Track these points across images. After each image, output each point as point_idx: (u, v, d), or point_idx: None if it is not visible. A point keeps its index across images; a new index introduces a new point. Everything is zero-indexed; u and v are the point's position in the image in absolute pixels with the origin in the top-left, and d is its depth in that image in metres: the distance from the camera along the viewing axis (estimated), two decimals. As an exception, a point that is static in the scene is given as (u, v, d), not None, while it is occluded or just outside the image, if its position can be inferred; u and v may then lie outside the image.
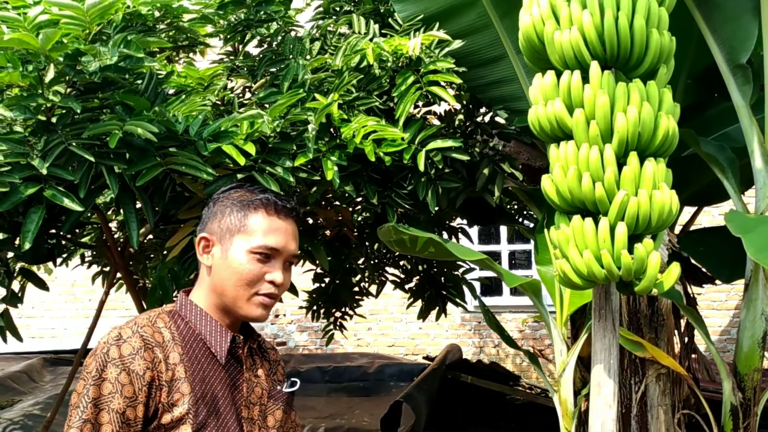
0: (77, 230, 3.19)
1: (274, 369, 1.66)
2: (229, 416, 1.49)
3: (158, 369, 1.41)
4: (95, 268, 3.90)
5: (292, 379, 1.65)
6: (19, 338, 2.85)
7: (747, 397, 2.64)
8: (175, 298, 1.59)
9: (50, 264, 3.30)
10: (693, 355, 3.51)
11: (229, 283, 1.51)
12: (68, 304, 7.98)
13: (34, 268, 3.45)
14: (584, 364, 3.44)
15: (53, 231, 2.59)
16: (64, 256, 3.54)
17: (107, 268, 3.77)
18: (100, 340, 1.44)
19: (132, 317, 1.52)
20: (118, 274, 3.48)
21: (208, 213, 1.58)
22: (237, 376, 1.53)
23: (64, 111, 2.14)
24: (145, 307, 3.16)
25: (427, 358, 6.52)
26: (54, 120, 2.13)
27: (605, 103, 1.83)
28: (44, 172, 1.98)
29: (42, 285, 2.68)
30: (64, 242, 2.84)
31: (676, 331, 3.22)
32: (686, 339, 3.45)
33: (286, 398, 1.62)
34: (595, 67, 1.85)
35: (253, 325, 1.65)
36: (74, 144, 2.03)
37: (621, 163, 1.86)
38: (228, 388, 1.51)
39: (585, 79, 1.87)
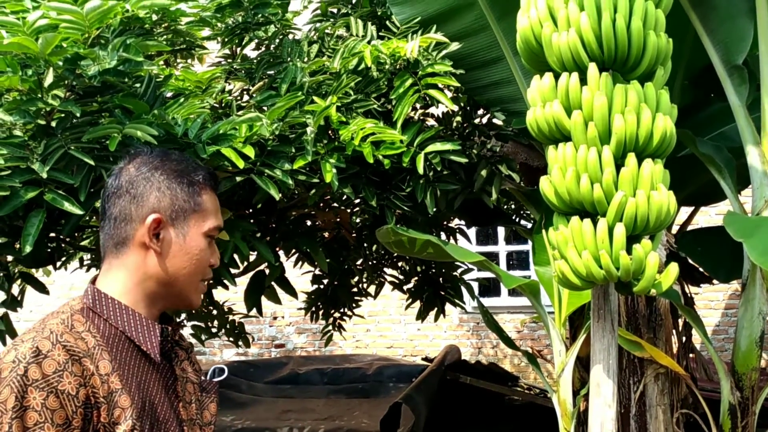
0: (77, 233, 3.19)
1: (191, 357, 1.44)
2: (170, 422, 1.31)
3: (92, 384, 1.18)
4: (93, 272, 3.90)
5: (219, 366, 1.50)
6: (19, 342, 2.84)
7: (745, 396, 2.65)
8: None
9: (50, 268, 3.30)
10: (691, 355, 3.52)
11: (184, 271, 1.33)
12: (66, 308, 7.97)
13: (33, 271, 3.44)
14: (583, 365, 3.45)
15: (53, 234, 2.59)
16: (63, 259, 3.54)
17: (106, 272, 3.77)
18: (2, 358, 1.17)
19: (38, 324, 1.24)
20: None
21: (135, 189, 1.32)
22: (168, 375, 1.35)
23: (63, 115, 2.15)
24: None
25: (425, 359, 6.53)
26: (54, 124, 2.13)
27: (603, 105, 1.84)
28: (44, 175, 1.99)
29: (42, 288, 2.68)
30: (63, 245, 2.84)
31: (674, 331, 3.23)
32: (684, 339, 3.47)
33: (216, 388, 1.45)
34: (593, 69, 1.86)
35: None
36: (74, 147, 2.04)
37: (619, 164, 1.88)
38: (163, 389, 1.32)
39: (583, 81, 1.88)
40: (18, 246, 2.25)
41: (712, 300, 7.27)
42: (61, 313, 1.27)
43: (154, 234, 1.32)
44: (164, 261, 1.32)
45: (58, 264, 3.06)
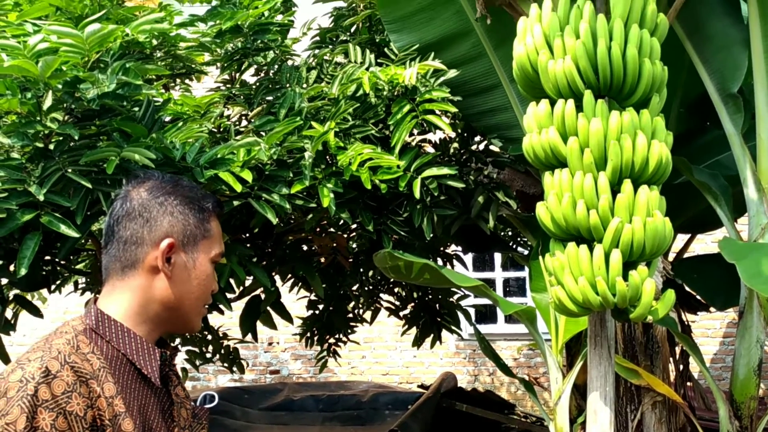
0: (72, 257, 3.18)
1: (181, 382, 1.45)
2: None
3: (98, 406, 1.18)
4: (87, 296, 3.89)
5: (210, 393, 1.47)
6: (11, 366, 2.82)
7: (744, 425, 2.63)
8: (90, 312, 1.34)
9: (44, 292, 3.29)
10: (689, 383, 3.50)
11: (192, 296, 1.35)
12: (60, 332, 7.91)
13: (28, 296, 3.43)
14: (580, 392, 3.43)
15: (48, 257, 2.58)
16: (58, 282, 3.53)
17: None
18: (7, 376, 1.16)
19: (42, 343, 1.24)
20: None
21: (148, 213, 1.33)
22: (165, 399, 1.35)
23: (61, 138, 2.16)
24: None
25: (421, 386, 6.47)
26: (51, 147, 2.14)
27: (599, 132, 1.85)
28: (41, 198, 1.99)
29: (36, 312, 2.66)
30: (59, 269, 2.83)
31: (671, 359, 3.22)
32: (681, 367, 3.45)
33: (207, 415, 1.46)
34: (588, 96, 1.88)
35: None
36: (71, 170, 2.04)
37: (615, 190, 1.88)
38: (160, 414, 1.32)
39: (579, 107, 1.90)
40: (13, 269, 2.24)
41: (709, 328, 7.25)
42: (65, 333, 1.26)
43: (166, 258, 1.32)
44: (173, 285, 1.33)
45: (53, 287, 3.04)
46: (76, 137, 2.07)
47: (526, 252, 4.10)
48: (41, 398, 1.12)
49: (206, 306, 1.41)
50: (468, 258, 7.23)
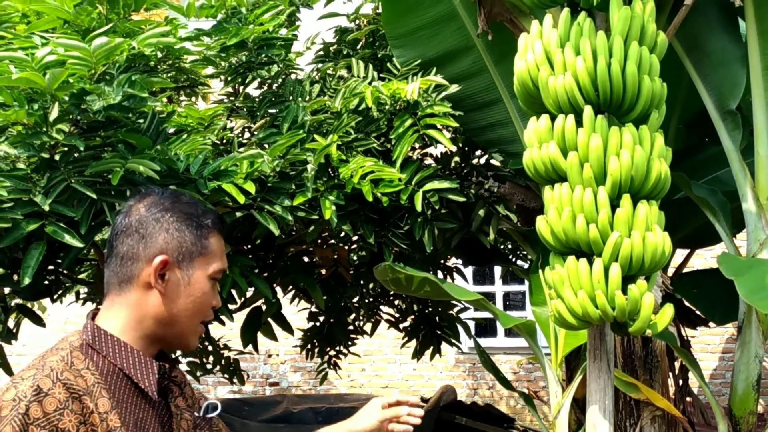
0: (75, 266, 3.20)
1: (184, 392, 1.45)
2: None
3: (91, 422, 1.19)
4: (89, 306, 3.89)
5: (212, 402, 1.47)
6: (11, 374, 2.83)
7: (742, 440, 2.64)
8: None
9: (45, 302, 3.30)
10: (688, 399, 3.50)
11: (186, 313, 1.34)
12: (59, 342, 7.90)
13: (29, 305, 3.44)
14: (579, 406, 3.43)
15: (52, 267, 2.60)
16: (59, 292, 3.54)
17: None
18: (3, 396, 1.16)
19: (37, 360, 1.25)
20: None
21: (144, 229, 1.33)
22: (163, 412, 1.35)
23: (67, 149, 2.18)
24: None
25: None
26: (57, 157, 2.16)
27: (598, 147, 1.87)
28: (46, 208, 2.00)
29: (38, 321, 2.68)
30: (62, 278, 2.85)
31: (670, 373, 3.22)
32: (681, 381, 3.45)
33: (209, 425, 1.46)
34: (588, 111, 1.90)
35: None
36: (76, 181, 2.06)
37: (614, 205, 1.90)
38: (159, 426, 1.32)
39: (579, 123, 1.92)
40: (16, 278, 2.26)
41: (709, 344, 7.24)
42: (61, 350, 1.26)
43: (160, 275, 1.32)
44: (167, 302, 1.32)
45: (55, 296, 3.06)
46: (82, 148, 2.09)
47: (526, 265, 4.11)
48: (33, 416, 1.13)
49: (205, 323, 1.40)
50: (468, 271, 7.23)
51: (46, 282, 2.64)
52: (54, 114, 2.07)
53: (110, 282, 1.35)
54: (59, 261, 2.46)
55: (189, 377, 1.53)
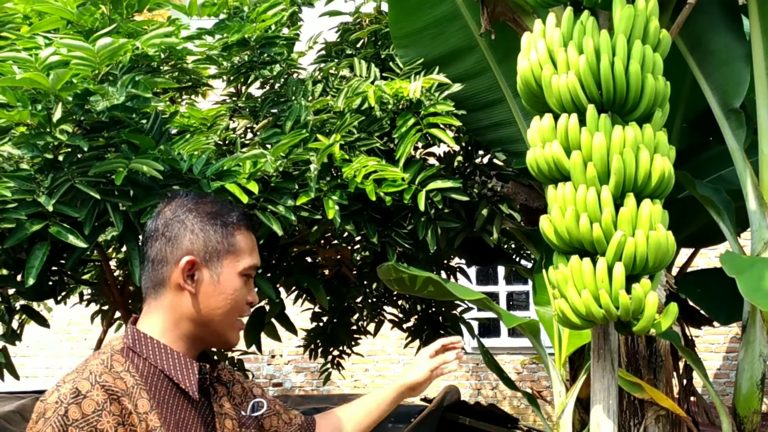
0: (79, 267, 3.20)
1: (232, 391, 1.47)
2: None
3: (130, 422, 1.21)
4: (92, 307, 3.90)
5: (258, 400, 1.49)
6: (16, 376, 2.84)
7: (747, 440, 2.63)
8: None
9: (50, 302, 3.30)
10: (692, 398, 3.49)
11: (220, 311, 1.36)
12: (63, 343, 7.92)
13: (34, 305, 3.45)
14: (583, 406, 3.43)
15: (55, 268, 2.60)
16: (63, 294, 3.55)
17: (106, 307, 3.77)
18: (46, 399, 1.21)
19: (81, 364, 1.29)
20: (117, 313, 3.47)
21: (170, 231, 1.36)
22: (206, 412, 1.37)
23: (70, 149, 2.18)
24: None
25: (424, 399, 6.46)
26: (61, 158, 2.16)
27: (602, 146, 1.87)
28: (50, 209, 2.01)
29: (43, 322, 2.68)
30: (66, 279, 2.85)
31: (674, 373, 3.22)
32: (685, 381, 3.44)
33: (256, 423, 1.47)
34: (591, 110, 1.90)
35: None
36: (80, 181, 2.07)
37: (618, 204, 1.90)
38: (202, 426, 1.34)
39: (582, 122, 1.91)
40: (20, 278, 2.26)
41: (713, 343, 7.23)
42: (102, 354, 1.30)
43: (189, 275, 1.34)
44: (199, 302, 1.35)
45: (59, 297, 3.06)
46: (85, 149, 2.10)
47: (529, 265, 4.11)
48: (71, 418, 1.16)
49: (241, 319, 1.42)
50: (472, 271, 7.23)
51: (50, 283, 2.64)
52: (57, 114, 2.07)
53: (146, 287, 1.38)
54: (63, 262, 2.47)
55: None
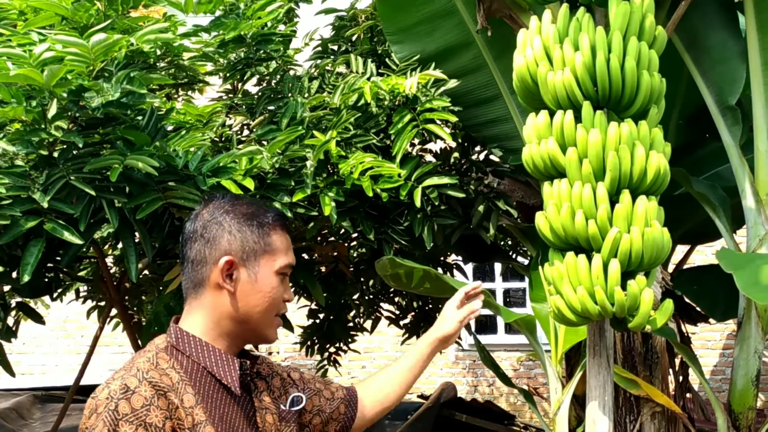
0: (74, 264, 3.20)
1: (271, 384, 1.52)
2: None
3: (177, 416, 1.27)
4: (88, 304, 3.90)
5: (297, 395, 1.54)
6: (12, 373, 2.83)
7: (742, 436, 2.64)
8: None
9: (47, 299, 3.30)
10: (688, 395, 3.50)
11: (259, 309, 1.41)
12: (60, 340, 7.92)
13: (31, 302, 3.44)
14: (579, 402, 3.43)
15: (51, 264, 2.60)
16: (59, 291, 3.54)
17: (102, 303, 3.77)
18: (97, 395, 1.27)
19: (128, 362, 1.36)
20: (114, 310, 3.47)
21: (208, 233, 1.41)
22: (248, 407, 1.42)
23: (65, 146, 2.18)
24: (140, 343, 3.15)
25: (421, 396, 6.47)
26: (56, 154, 2.16)
27: (597, 142, 1.87)
28: (45, 205, 2.00)
29: (38, 319, 2.68)
30: (61, 276, 2.85)
31: (670, 370, 3.22)
32: (681, 378, 3.45)
33: (296, 417, 1.52)
34: (587, 107, 1.90)
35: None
36: (75, 178, 2.06)
37: (614, 200, 1.90)
38: (245, 420, 1.39)
39: (578, 118, 1.91)
40: (16, 275, 2.26)
41: (709, 340, 7.24)
42: (148, 352, 1.36)
43: (227, 275, 1.39)
44: (238, 300, 1.40)
45: (55, 294, 3.06)
46: (80, 145, 2.09)
47: (526, 262, 4.11)
48: (121, 413, 1.23)
49: (279, 316, 1.47)
50: (468, 268, 7.23)
51: (46, 280, 2.64)
52: (52, 111, 2.07)
53: (187, 287, 1.44)
54: (59, 258, 2.46)
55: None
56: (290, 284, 1.52)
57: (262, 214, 1.44)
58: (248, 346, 1.55)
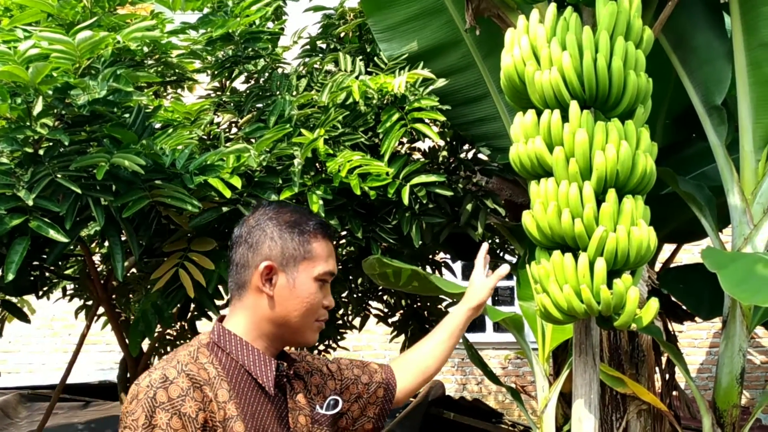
0: (60, 262, 3.17)
1: (309, 383, 1.57)
2: None
3: (210, 409, 1.34)
4: (75, 302, 3.87)
5: (334, 398, 1.58)
6: (-2, 371, 2.82)
7: (727, 434, 2.66)
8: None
9: (32, 300, 3.28)
10: (674, 392, 3.52)
11: (296, 313, 1.46)
12: (47, 339, 7.86)
13: (16, 301, 3.41)
14: (566, 401, 3.45)
15: (37, 263, 2.58)
16: (45, 289, 3.52)
17: (89, 302, 3.75)
18: (139, 383, 1.35)
19: (171, 354, 1.43)
20: (101, 308, 3.45)
21: (252, 238, 1.48)
22: (282, 407, 1.47)
23: (51, 143, 2.16)
24: (126, 341, 3.14)
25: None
26: (41, 152, 2.14)
27: (584, 141, 1.88)
28: (30, 203, 1.99)
29: (23, 317, 2.66)
30: (47, 274, 2.83)
31: (657, 368, 3.24)
32: (667, 376, 3.47)
33: (330, 420, 1.55)
34: (574, 106, 1.90)
35: None
36: (61, 176, 2.05)
37: (600, 199, 1.91)
38: (276, 420, 1.44)
39: (564, 118, 1.92)
40: (0, 273, 2.24)
41: (696, 338, 7.29)
42: (190, 346, 1.43)
43: (267, 279, 1.45)
44: (276, 304, 1.46)
45: (41, 293, 3.04)
46: (66, 143, 2.08)
47: (514, 260, 4.12)
48: (159, 400, 1.30)
49: (319, 321, 1.51)
50: (457, 266, 7.24)
51: (31, 278, 2.62)
52: (38, 108, 2.05)
53: (232, 289, 1.51)
54: (44, 257, 2.45)
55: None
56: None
57: (305, 221, 1.50)
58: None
